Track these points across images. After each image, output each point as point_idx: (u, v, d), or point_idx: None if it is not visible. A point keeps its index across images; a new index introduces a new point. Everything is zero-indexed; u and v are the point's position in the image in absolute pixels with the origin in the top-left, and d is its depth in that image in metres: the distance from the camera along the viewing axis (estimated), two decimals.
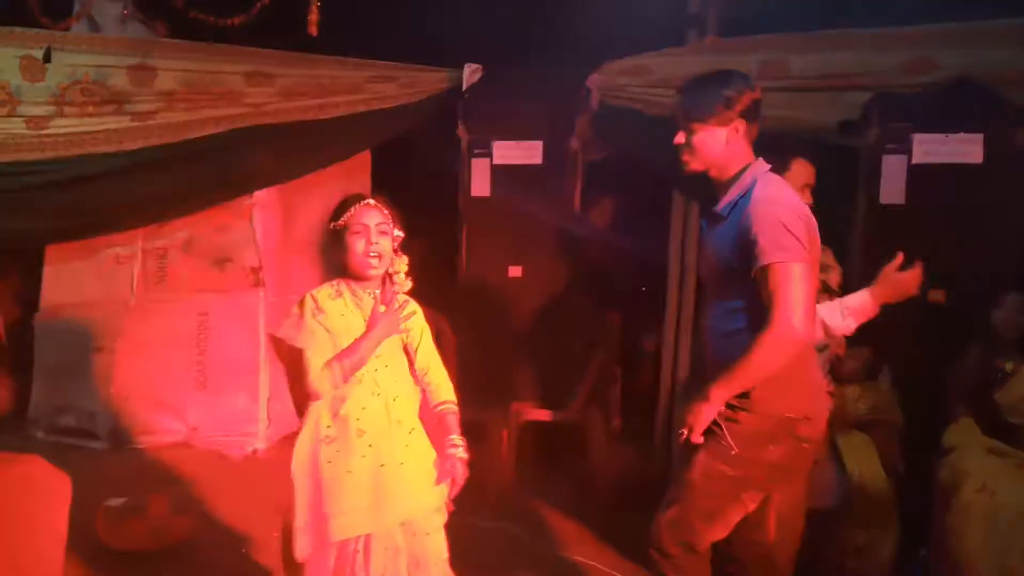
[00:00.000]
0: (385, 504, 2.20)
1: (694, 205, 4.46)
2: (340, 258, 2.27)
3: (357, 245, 2.23)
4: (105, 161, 4.44)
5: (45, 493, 2.79)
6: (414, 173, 4.97)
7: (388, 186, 4.96)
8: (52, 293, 4.93)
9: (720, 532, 2.15)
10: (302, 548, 2.18)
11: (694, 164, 2.21)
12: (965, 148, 3.43)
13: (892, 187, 3.50)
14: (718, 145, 2.16)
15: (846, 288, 3.62)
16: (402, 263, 2.32)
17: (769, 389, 2.05)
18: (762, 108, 2.19)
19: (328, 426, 2.22)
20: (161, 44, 4.45)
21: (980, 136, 3.39)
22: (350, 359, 2.19)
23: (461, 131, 4.10)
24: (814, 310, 2.01)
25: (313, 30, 4.12)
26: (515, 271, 4.02)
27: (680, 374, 4.18)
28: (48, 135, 4.42)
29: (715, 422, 2.08)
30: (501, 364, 3.99)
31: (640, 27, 4.28)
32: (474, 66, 4.23)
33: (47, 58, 4.34)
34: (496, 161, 4.04)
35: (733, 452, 2.06)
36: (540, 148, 4.00)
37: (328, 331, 2.22)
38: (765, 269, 1.99)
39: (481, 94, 4.18)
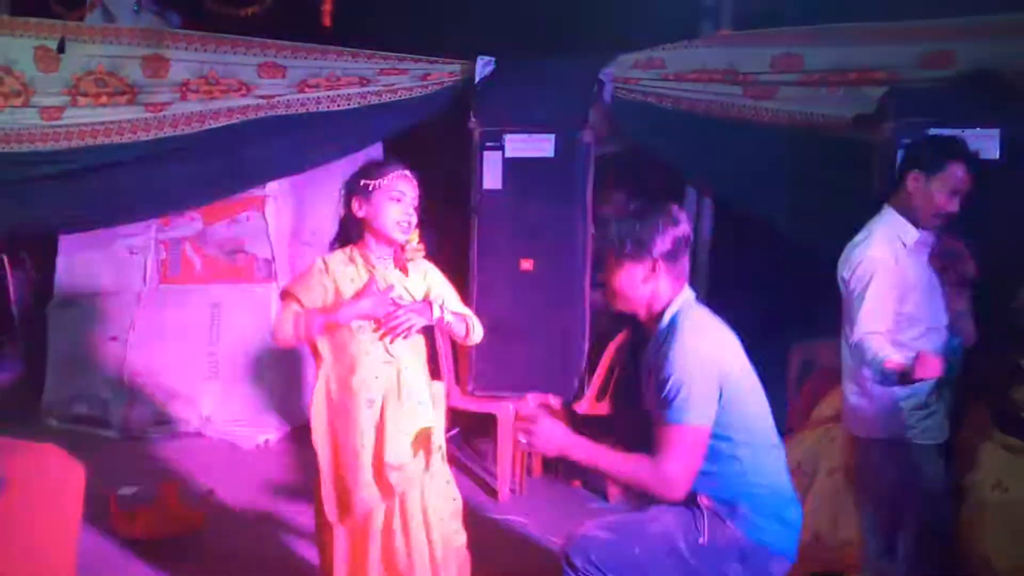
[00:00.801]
0: (389, 476, 2.24)
1: (707, 200, 4.46)
2: (367, 215, 2.27)
3: (392, 210, 2.26)
4: (118, 152, 4.47)
5: (59, 481, 2.80)
6: (425, 165, 4.96)
7: None
8: (66, 283, 4.96)
9: None
10: (332, 513, 2.28)
11: (618, 304, 2.11)
12: (982, 143, 3.39)
13: None
14: (636, 285, 2.04)
15: None
16: (415, 233, 2.37)
17: (757, 516, 1.98)
18: (687, 245, 2.07)
19: (337, 398, 2.27)
20: (174, 35, 4.46)
21: (996, 131, 3.36)
22: (323, 317, 2.23)
23: (473, 124, 4.08)
24: (693, 473, 1.93)
25: (327, 20, 4.12)
26: (527, 264, 4.00)
27: None
28: (62, 125, 4.45)
29: (700, 505, 1.99)
30: (513, 357, 3.98)
31: (653, 19, 4.26)
32: (486, 58, 4.22)
33: (61, 48, 4.36)
34: (508, 154, 4.02)
35: (700, 540, 1.97)
36: (552, 141, 3.97)
37: (336, 293, 2.26)
38: (659, 425, 1.95)
39: (493, 87, 4.17)
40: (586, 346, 4.01)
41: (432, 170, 4.88)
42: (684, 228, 2.05)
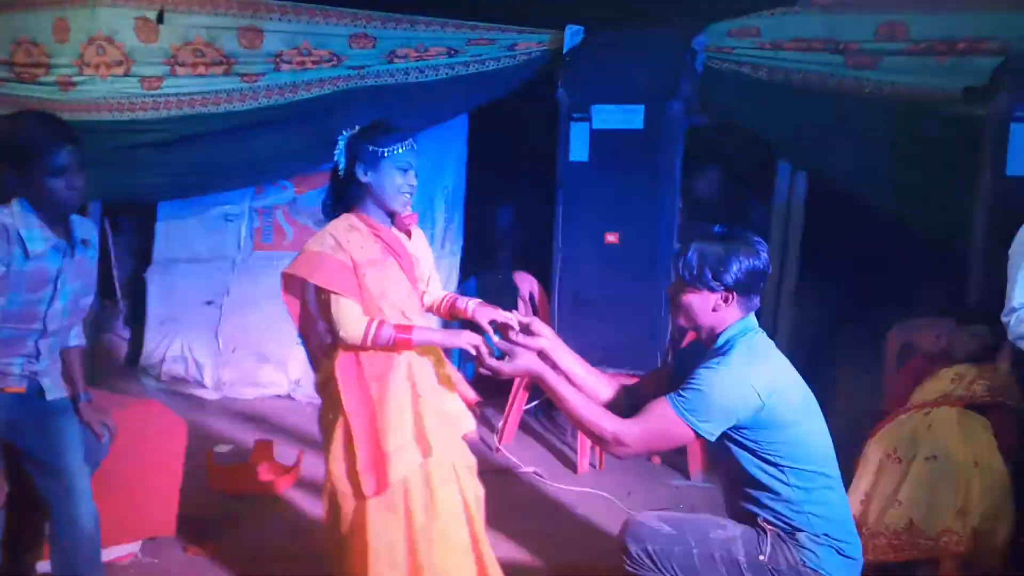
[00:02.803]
0: (428, 434, 2.21)
1: (801, 174, 4.32)
2: (371, 182, 2.22)
3: (399, 179, 2.23)
4: (214, 121, 4.59)
5: (163, 436, 2.94)
6: (511, 136, 4.95)
7: (485, 149, 5.01)
8: (164, 248, 5.15)
9: None
10: (369, 486, 2.17)
11: (681, 321, 2.11)
12: None
13: (1021, 158, 3.30)
14: (706, 311, 2.03)
15: (965, 261, 3.46)
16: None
17: (817, 547, 1.97)
18: (761, 281, 2.04)
19: (371, 364, 2.21)
20: (269, 5, 4.52)
21: None
22: (403, 338, 2.17)
23: (560, 94, 4.04)
24: (646, 451, 2.09)
25: None
26: (612, 238, 3.96)
27: (778, 342, 4.08)
28: (161, 95, 4.59)
29: (769, 520, 2.00)
30: (596, 331, 3.96)
31: None
32: (575, 28, 4.16)
33: (160, 19, 4.48)
34: (595, 126, 3.97)
35: (761, 557, 1.98)
36: (641, 112, 3.90)
37: (352, 264, 2.19)
38: (668, 398, 1.97)
39: (582, 57, 4.10)
40: (670, 322, 3.96)
41: (518, 141, 4.90)
42: (764, 261, 2.02)
